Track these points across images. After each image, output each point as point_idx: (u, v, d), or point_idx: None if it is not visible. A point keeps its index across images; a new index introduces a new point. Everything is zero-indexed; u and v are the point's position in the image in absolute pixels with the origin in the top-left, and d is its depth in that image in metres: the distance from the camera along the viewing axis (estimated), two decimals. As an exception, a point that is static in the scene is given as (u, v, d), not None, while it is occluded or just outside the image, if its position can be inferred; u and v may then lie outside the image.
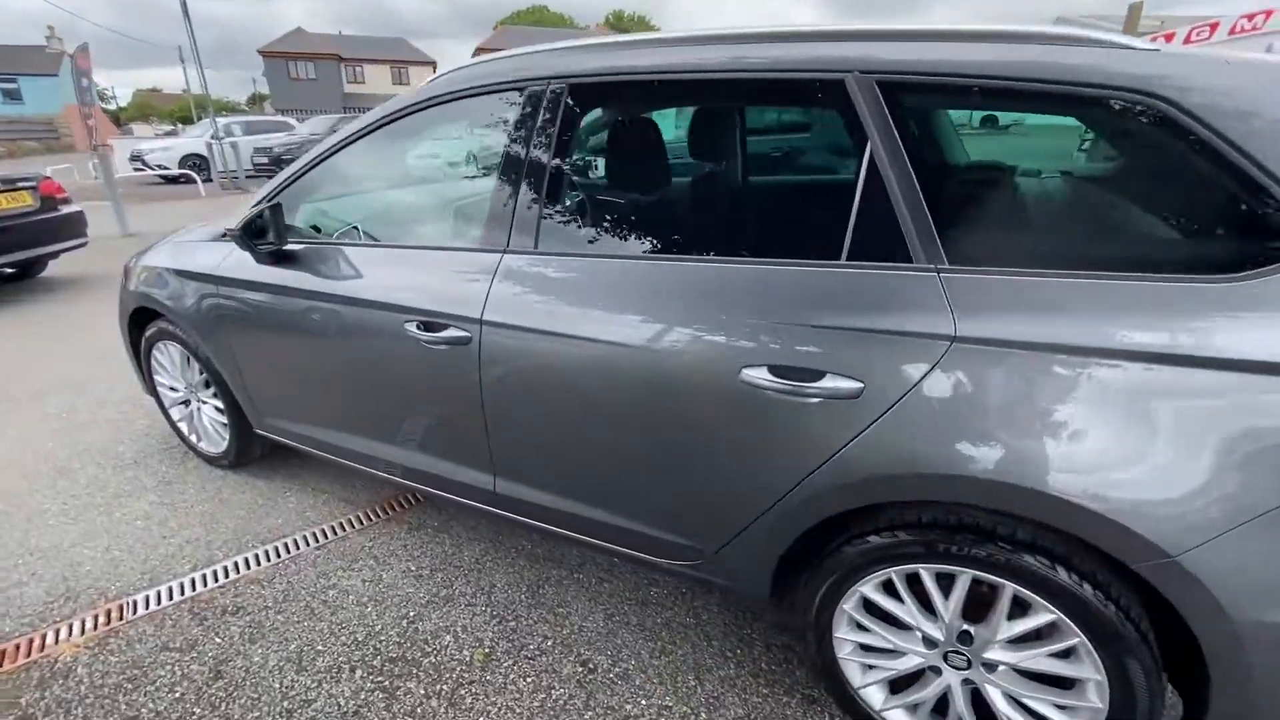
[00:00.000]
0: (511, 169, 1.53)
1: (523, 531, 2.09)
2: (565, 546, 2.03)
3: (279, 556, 2.03)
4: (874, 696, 1.39)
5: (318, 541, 2.10)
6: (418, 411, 1.76)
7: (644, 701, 1.52)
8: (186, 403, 2.55)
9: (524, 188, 1.50)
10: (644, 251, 1.38)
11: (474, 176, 2.13)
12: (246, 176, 14.07)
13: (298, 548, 2.07)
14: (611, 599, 1.83)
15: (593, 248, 1.46)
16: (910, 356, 1.10)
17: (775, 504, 1.28)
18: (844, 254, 1.19)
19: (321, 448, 2.08)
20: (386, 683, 1.57)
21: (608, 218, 1.52)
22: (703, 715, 1.48)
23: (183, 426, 2.60)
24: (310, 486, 2.42)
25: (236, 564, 2.00)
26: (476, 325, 1.51)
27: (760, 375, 1.20)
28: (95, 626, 1.76)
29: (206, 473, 2.54)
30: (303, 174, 1.91)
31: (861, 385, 1.13)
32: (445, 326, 1.56)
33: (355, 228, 2.00)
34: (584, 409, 1.44)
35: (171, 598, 1.86)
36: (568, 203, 1.54)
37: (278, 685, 1.56)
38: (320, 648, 1.67)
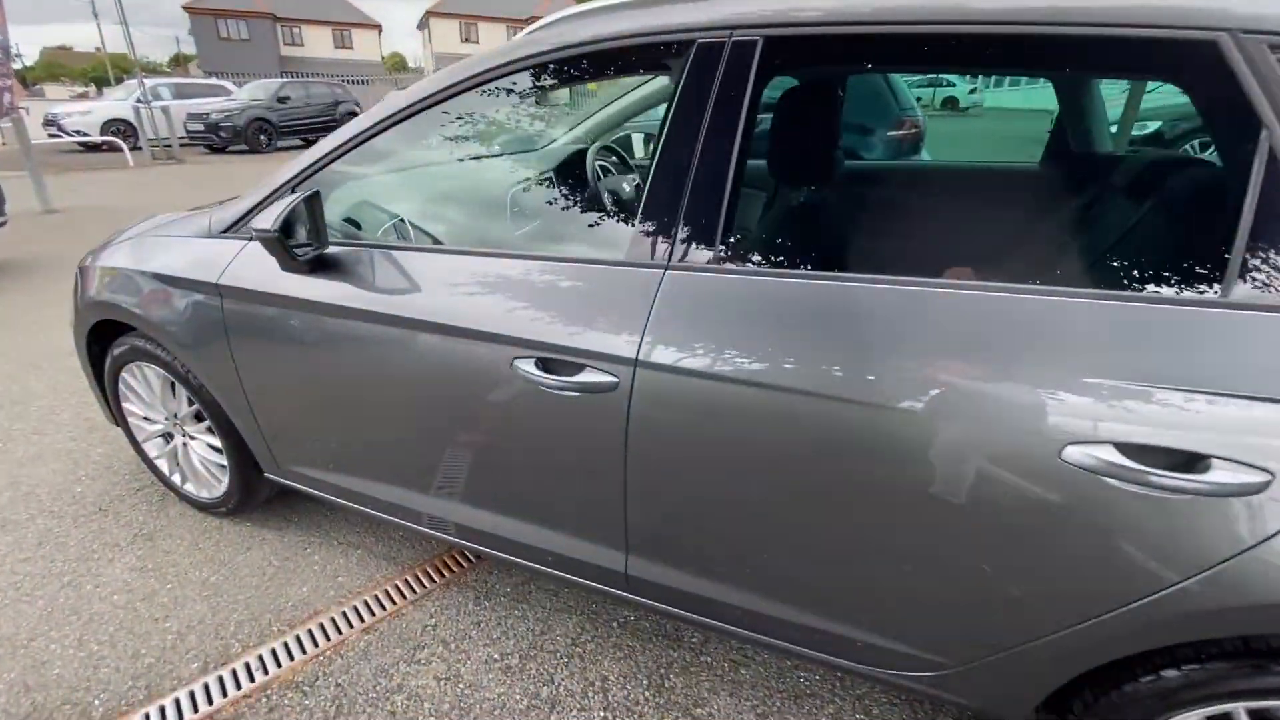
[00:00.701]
0: (673, 154, 1.12)
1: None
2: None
3: (316, 645, 1.59)
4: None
5: (363, 620, 1.67)
6: (521, 471, 1.35)
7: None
8: (168, 436, 2.05)
9: (694, 180, 1.10)
10: (895, 274, 1.00)
11: (607, 164, 1.69)
12: (181, 145, 12.82)
13: (339, 630, 1.63)
14: (755, 690, 1.48)
15: (808, 265, 1.07)
16: None
17: (1087, 622, 0.95)
18: (1226, 288, 0.85)
19: (366, 504, 1.64)
20: (504, 840, 1.18)
21: (830, 224, 1.13)
22: None
23: (162, 465, 2.09)
24: (336, 539, 1.97)
25: (262, 659, 1.55)
26: (628, 367, 1.11)
27: (1099, 455, 0.85)
28: (80, 768, 1.31)
29: (196, 522, 2.05)
30: (344, 152, 1.44)
31: (1268, 478, 0.80)
32: (579, 367, 1.15)
33: (404, 222, 1.55)
34: (792, 484, 1.07)
35: (181, 715, 1.41)
36: (763, 201, 1.14)
37: None
38: (402, 788, 1.27)
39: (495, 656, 1.56)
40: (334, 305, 1.38)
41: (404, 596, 1.74)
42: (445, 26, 38.66)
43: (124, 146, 11.35)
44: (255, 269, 1.50)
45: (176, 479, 2.08)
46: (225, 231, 1.61)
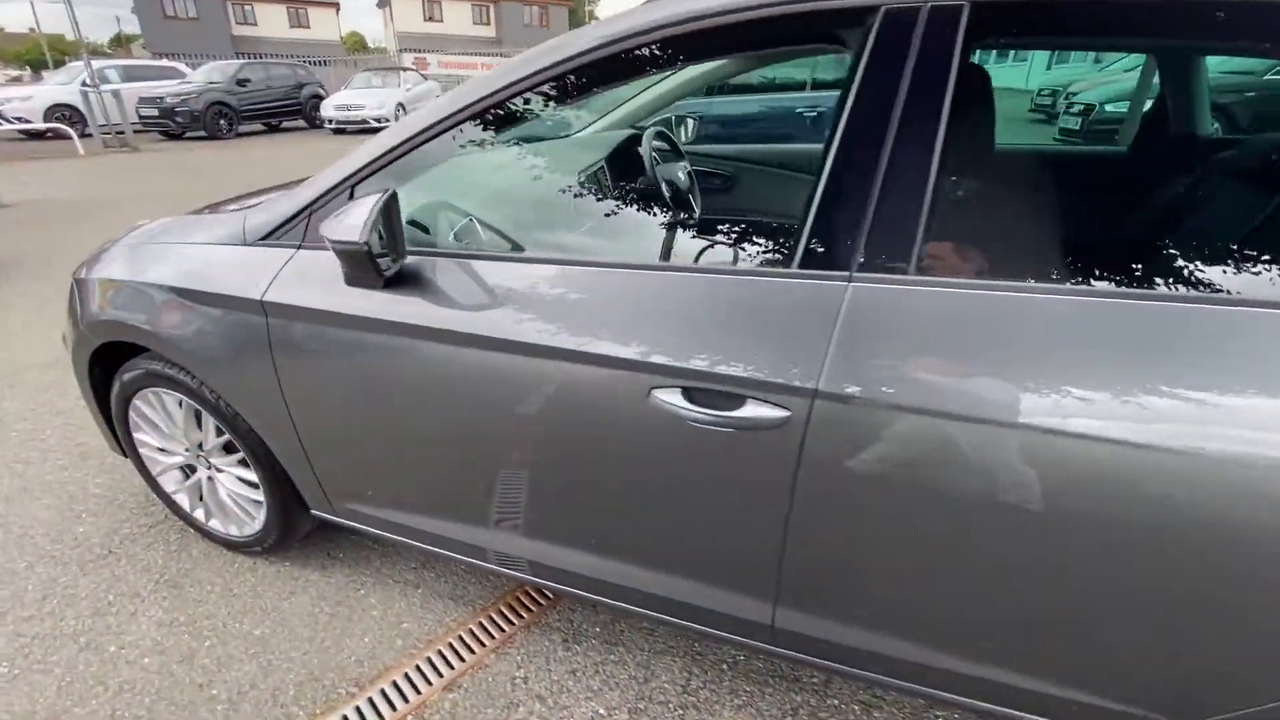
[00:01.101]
0: (856, 145, 0.94)
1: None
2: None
3: (394, 709, 1.40)
4: None
5: (441, 675, 1.48)
6: (646, 511, 1.17)
7: None
8: (188, 469, 1.81)
9: (885, 176, 0.91)
10: (1143, 285, 0.84)
11: (756, 158, 1.48)
12: (134, 132, 12.07)
13: (416, 690, 1.44)
14: (896, 738, 1.35)
15: (1038, 276, 0.89)
16: None
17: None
18: None
19: (435, 543, 1.45)
20: None
21: (1045, 222, 0.97)
22: None
23: (182, 501, 1.85)
24: (390, 578, 1.76)
25: (334, 730, 1.36)
26: (805, 399, 0.94)
27: None
28: None
29: (226, 563, 1.82)
30: (414, 146, 1.22)
31: None
32: (738, 400, 0.98)
33: (487, 228, 1.34)
34: (1028, 535, 0.90)
35: (251, 808, 1.22)
36: (978, 196, 0.97)
37: None
38: None
39: (601, 712, 1.39)
40: (421, 327, 1.17)
41: (482, 644, 1.55)
42: (407, 5, 37.19)
43: (73, 134, 10.61)
44: (309, 284, 1.28)
45: (199, 515, 1.85)
46: (265, 239, 1.38)
